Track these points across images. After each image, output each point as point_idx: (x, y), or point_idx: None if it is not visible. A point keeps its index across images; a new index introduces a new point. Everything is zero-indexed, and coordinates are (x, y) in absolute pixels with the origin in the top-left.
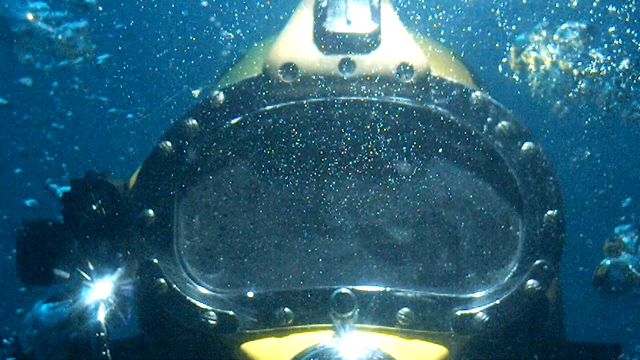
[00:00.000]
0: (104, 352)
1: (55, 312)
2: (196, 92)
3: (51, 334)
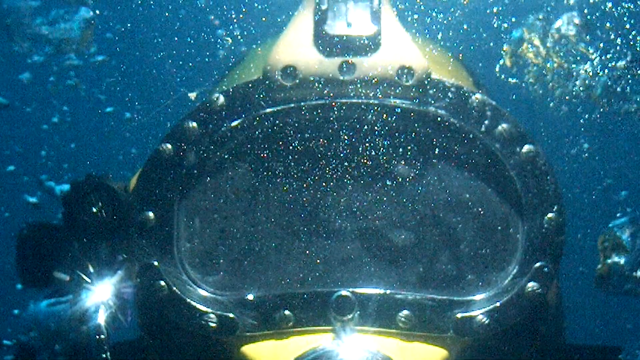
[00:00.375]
0: (104, 355)
1: (54, 310)
2: (193, 95)
3: (51, 335)
